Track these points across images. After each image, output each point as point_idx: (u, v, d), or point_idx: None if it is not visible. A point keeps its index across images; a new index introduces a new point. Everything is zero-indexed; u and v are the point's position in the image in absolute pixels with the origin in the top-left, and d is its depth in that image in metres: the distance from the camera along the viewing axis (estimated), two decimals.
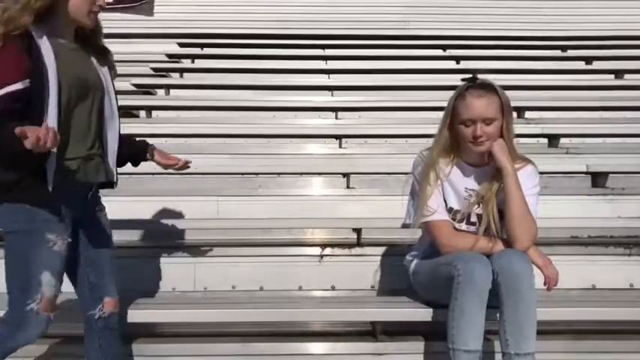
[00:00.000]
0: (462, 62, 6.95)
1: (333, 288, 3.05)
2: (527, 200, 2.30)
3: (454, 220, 2.41)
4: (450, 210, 2.41)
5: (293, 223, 3.38)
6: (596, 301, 2.76)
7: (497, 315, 2.20)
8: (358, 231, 3.14)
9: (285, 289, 3.02)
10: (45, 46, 1.97)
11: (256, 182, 4.05)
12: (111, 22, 9.20)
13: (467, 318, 2.14)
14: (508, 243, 2.30)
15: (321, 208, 3.56)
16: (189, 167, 2.45)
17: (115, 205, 3.44)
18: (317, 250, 3.10)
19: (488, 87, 2.34)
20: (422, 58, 7.17)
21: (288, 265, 3.06)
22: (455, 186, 2.42)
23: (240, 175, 3.99)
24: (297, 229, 3.37)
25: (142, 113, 5.56)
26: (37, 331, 2.00)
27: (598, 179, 3.89)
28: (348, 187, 4.06)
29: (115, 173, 2.24)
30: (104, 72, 2.20)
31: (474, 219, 2.40)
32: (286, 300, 2.80)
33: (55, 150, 1.88)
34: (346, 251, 3.08)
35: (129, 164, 2.42)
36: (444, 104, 2.43)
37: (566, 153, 4.31)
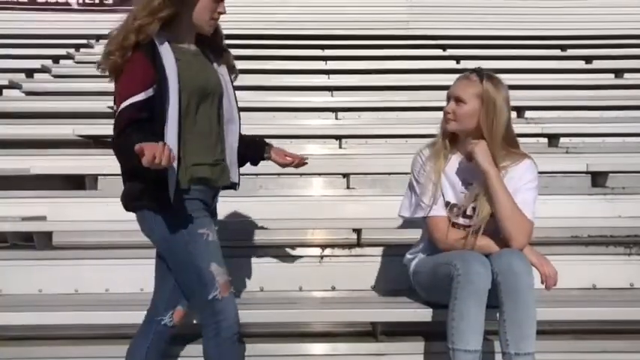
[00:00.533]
0: (462, 62, 6.96)
1: (333, 288, 3.05)
2: (525, 195, 2.32)
3: (451, 213, 2.41)
4: (447, 204, 2.42)
5: (293, 223, 3.38)
6: (597, 300, 2.76)
7: (497, 315, 2.20)
8: (358, 231, 3.15)
9: (286, 290, 3.02)
10: (167, 53, 2.02)
11: (257, 182, 4.06)
12: (111, 23, 9.22)
13: (466, 318, 2.15)
14: (505, 241, 2.30)
15: (322, 208, 3.56)
16: (306, 164, 2.44)
17: (119, 207, 3.47)
18: (317, 251, 3.10)
19: (479, 74, 2.36)
20: (422, 58, 7.18)
21: (288, 266, 3.06)
22: (453, 180, 2.42)
23: (241, 175, 3.99)
24: (297, 229, 3.38)
25: None
26: (230, 309, 2.10)
27: (598, 179, 3.89)
28: (348, 187, 4.07)
29: (237, 174, 2.29)
30: (224, 74, 2.24)
31: (469, 212, 2.40)
32: (286, 301, 2.80)
33: (174, 162, 1.92)
34: (346, 252, 3.08)
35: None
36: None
37: (566, 152, 4.30)
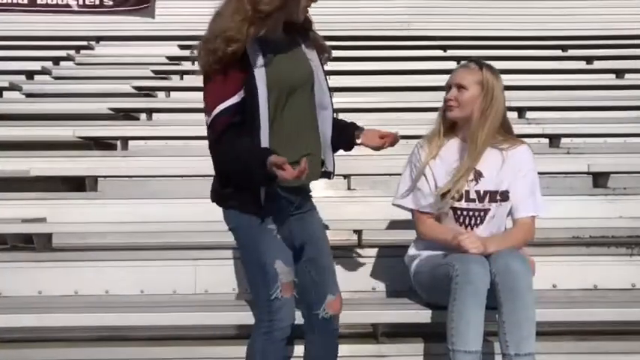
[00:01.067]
0: (462, 63, 6.95)
1: None
2: (523, 189, 2.41)
3: (452, 199, 2.41)
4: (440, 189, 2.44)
5: None
6: (598, 301, 2.75)
7: (497, 316, 2.20)
8: (359, 232, 3.14)
9: None
10: (254, 51, 1.98)
11: None
12: (112, 24, 9.24)
13: (466, 318, 2.14)
14: (494, 239, 2.33)
15: (322, 209, 3.52)
16: (399, 140, 2.35)
17: (119, 208, 3.49)
18: None
19: (477, 62, 2.45)
20: (422, 59, 7.17)
21: None
22: (449, 164, 2.45)
23: None
24: None
25: (143, 116, 5.57)
26: (287, 311, 2.08)
27: (599, 179, 3.88)
28: (349, 188, 4.06)
29: (332, 162, 2.24)
30: (313, 59, 2.17)
31: (473, 196, 2.42)
32: None
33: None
34: (347, 253, 3.08)
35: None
36: None
37: (567, 153, 4.30)
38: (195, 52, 2.03)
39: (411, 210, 2.52)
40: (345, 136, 2.29)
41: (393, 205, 2.58)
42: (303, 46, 2.16)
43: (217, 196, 2.13)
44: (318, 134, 2.18)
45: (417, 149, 2.54)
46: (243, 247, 2.14)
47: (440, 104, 2.55)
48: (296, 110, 2.09)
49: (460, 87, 2.41)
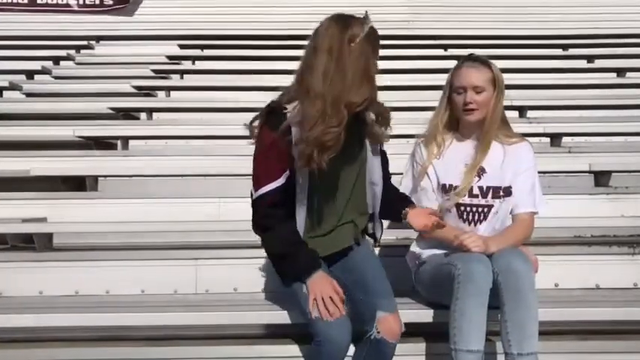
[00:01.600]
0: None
1: None
2: (524, 185, 2.41)
3: (457, 195, 2.41)
4: (443, 186, 2.44)
5: None
6: (600, 301, 2.74)
7: (499, 315, 2.19)
8: None
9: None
10: (297, 132, 2.03)
11: None
12: (112, 24, 9.24)
13: (468, 318, 2.13)
14: (496, 238, 2.33)
15: None
16: (444, 227, 2.32)
17: (119, 208, 3.49)
18: None
19: (482, 60, 2.45)
20: (423, 58, 7.17)
21: None
22: (452, 161, 2.45)
23: (242, 177, 3.98)
24: None
25: (143, 115, 5.57)
26: (331, 335, 2.06)
27: (601, 178, 3.87)
28: None
29: (380, 229, 2.38)
30: (366, 143, 2.23)
31: (476, 191, 2.42)
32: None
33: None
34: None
35: None
36: None
37: (569, 152, 4.29)
38: (255, 124, 2.11)
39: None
40: (394, 212, 2.36)
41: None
42: (359, 126, 2.19)
43: None
44: (362, 205, 2.27)
45: (419, 148, 2.54)
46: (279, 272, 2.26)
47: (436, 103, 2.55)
48: (336, 188, 2.19)
49: (477, 89, 2.39)
